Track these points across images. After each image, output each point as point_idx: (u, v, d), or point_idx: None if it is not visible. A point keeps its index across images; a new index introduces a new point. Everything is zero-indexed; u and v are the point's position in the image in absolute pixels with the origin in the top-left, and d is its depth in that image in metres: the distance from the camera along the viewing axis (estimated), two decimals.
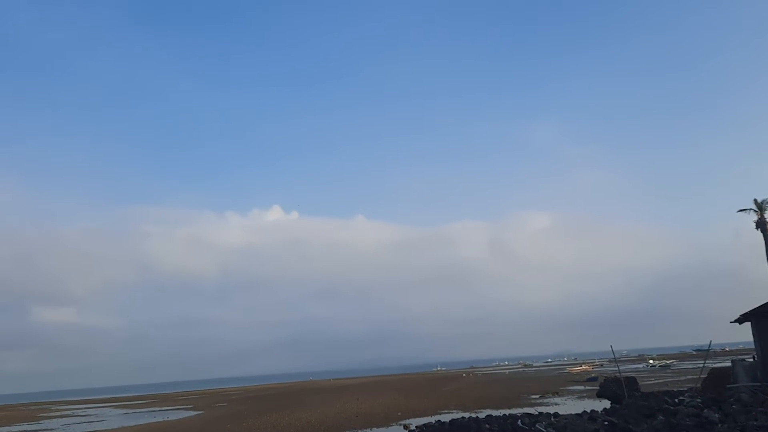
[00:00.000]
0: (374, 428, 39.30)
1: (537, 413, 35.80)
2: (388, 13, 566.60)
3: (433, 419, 38.20)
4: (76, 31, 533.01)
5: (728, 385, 31.54)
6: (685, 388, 40.17)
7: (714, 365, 48.06)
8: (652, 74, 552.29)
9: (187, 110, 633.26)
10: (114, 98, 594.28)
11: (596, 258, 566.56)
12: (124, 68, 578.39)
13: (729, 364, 35.25)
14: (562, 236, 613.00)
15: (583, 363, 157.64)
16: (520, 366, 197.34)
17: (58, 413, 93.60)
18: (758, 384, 29.86)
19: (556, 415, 33.64)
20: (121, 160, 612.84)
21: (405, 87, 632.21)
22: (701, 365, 47.91)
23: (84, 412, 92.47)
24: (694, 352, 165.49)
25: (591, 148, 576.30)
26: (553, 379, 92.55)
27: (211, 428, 47.19)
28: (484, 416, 36.04)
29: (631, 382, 37.90)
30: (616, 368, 47.65)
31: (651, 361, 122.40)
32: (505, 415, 36.23)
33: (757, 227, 47.28)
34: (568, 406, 45.24)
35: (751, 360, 34.03)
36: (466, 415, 38.83)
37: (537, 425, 28.82)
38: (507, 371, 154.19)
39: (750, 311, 31.66)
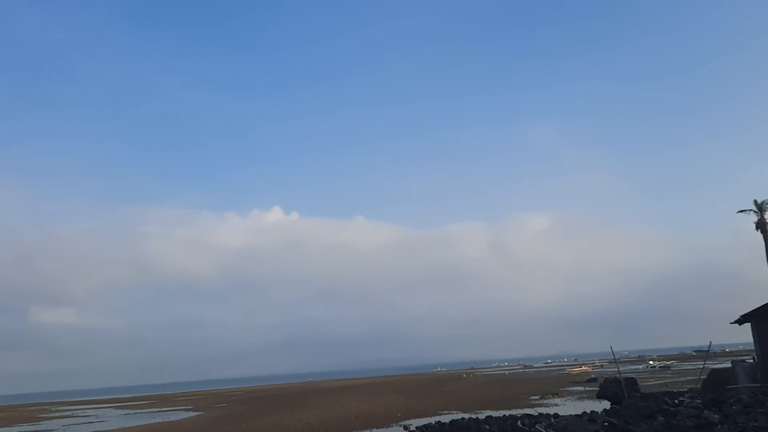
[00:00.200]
0: (374, 429, 39.28)
1: (537, 414, 35.81)
2: (389, 16, 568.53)
3: (433, 420, 38.21)
4: (76, 31, 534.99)
5: (728, 386, 31.55)
6: (685, 389, 40.19)
7: (714, 366, 48.00)
8: (651, 77, 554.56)
9: (187, 110, 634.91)
10: (114, 98, 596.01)
11: (596, 259, 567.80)
12: (124, 68, 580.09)
13: (729, 365, 35.25)
14: (561, 238, 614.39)
15: (583, 364, 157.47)
16: (520, 367, 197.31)
17: (57, 414, 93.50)
18: (758, 385, 29.86)
19: (556, 416, 33.66)
20: (120, 161, 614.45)
21: (405, 88, 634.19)
22: (701, 366, 47.88)
23: (84, 412, 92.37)
24: (694, 353, 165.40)
25: (590, 150, 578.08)
26: (553, 380, 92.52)
27: (212, 429, 47.18)
28: (484, 417, 36.04)
29: (631, 382, 37.88)
30: (616, 369, 47.64)
31: (651, 362, 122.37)
32: (505, 415, 36.22)
33: (756, 228, 47.30)
34: (568, 406, 45.22)
35: (751, 361, 34.03)
36: (466, 415, 38.82)
37: (537, 426, 28.82)
38: (507, 372, 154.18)
39: (750, 312, 31.68)
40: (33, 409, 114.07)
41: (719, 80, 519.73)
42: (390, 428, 39.41)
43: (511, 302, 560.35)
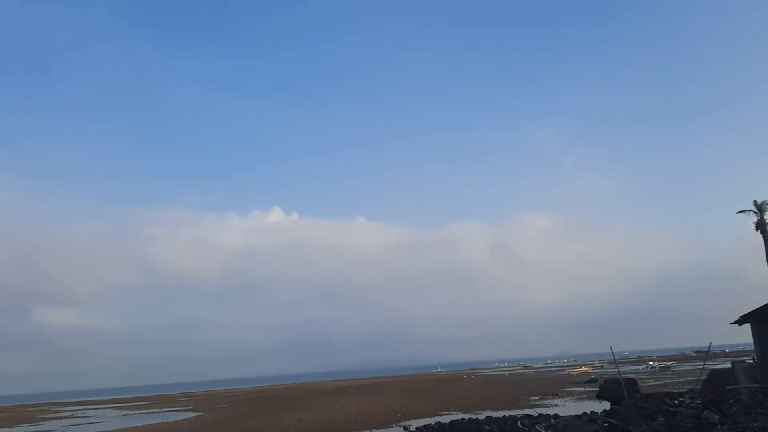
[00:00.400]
0: (374, 429, 39.23)
1: (537, 414, 35.82)
2: (390, 19, 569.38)
3: (432, 420, 38.21)
4: (77, 32, 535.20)
5: (728, 387, 31.52)
6: (685, 390, 40.20)
7: (714, 367, 47.98)
8: (651, 80, 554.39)
9: (188, 111, 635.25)
10: (116, 99, 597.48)
11: (596, 260, 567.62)
12: (126, 70, 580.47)
13: (729, 365, 35.22)
14: (562, 239, 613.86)
15: (583, 364, 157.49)
16: (520, 367, 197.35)
17: (58, 414, 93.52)
18: (758, 385, 29.85)
19: (556, 416, 33.67)
20: (122, 161, 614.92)
21: (406, 91, 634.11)
22: (701, 367, 47.86)
23: (84, 413, 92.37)
24: (694, 354, 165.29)
25: (591, 152, 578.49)
26: (553, 380, 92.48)
27: (211, 429, 47.14)
28: (483, 417, 36.07)
29: (631, 383, 37.88)
30: (616, 370, 47.66)
31: (651, 363, 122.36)
32: (505, 416, 36.23)
33: (756, 228, 47.21)
34: (568, 407, 45.19)
35: (751, 361, 34.02)
36: (466, 416, 38.83)
37: (537, 426, 28.81)
38: (507, 373, 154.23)
39: (750, 313, 31.65)
40: (33, 410, 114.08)
41: (719, 85, 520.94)
42: (390, 429, 39.37)
43: (512, 303, 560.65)
